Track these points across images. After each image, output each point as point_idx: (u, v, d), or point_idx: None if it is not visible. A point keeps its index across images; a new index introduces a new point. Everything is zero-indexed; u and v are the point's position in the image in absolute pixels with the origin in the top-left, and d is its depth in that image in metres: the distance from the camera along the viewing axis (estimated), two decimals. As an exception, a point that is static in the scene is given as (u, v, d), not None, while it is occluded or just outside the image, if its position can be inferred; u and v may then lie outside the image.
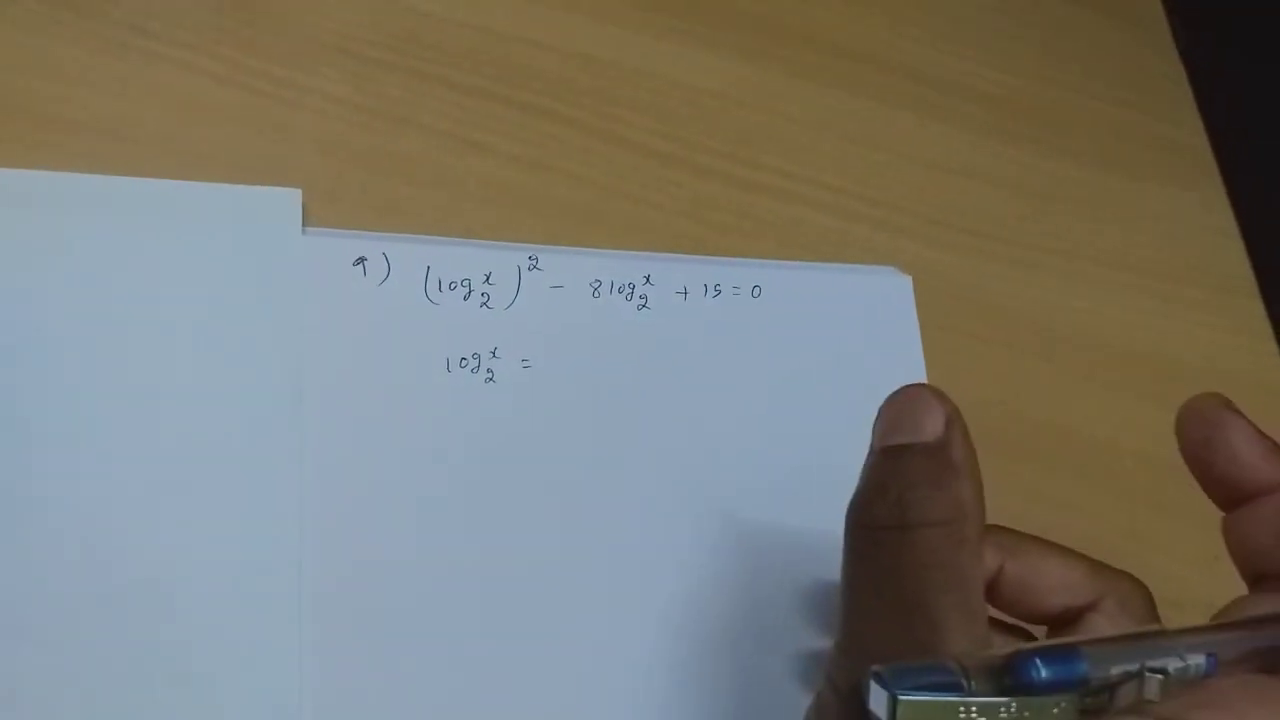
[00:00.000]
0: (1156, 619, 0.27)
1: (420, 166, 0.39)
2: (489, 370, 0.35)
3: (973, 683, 0.20)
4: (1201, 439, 0.26)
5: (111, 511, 0.30)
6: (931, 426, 0.25)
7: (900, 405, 0.26)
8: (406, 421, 0.34)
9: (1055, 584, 0.27)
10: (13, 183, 0.33)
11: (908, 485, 0.24)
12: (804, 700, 0.26)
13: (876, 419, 0.26)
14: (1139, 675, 0.21)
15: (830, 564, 0.36)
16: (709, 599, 0.34)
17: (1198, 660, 0.21)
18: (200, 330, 0.33)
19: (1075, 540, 0.42)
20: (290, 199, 0.35)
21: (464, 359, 0.35)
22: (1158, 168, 0.52)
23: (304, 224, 0.35)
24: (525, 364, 0.35)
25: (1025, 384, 0.44)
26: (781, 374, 0.38)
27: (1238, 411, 0.26)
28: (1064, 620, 0.27)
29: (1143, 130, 0.53)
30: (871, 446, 0.26)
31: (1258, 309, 0.50)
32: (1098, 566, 0.28)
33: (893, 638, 0.23)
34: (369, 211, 0.37)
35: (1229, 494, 0.26)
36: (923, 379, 0.41)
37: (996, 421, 0.42)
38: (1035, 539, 0.28)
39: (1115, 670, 0.21)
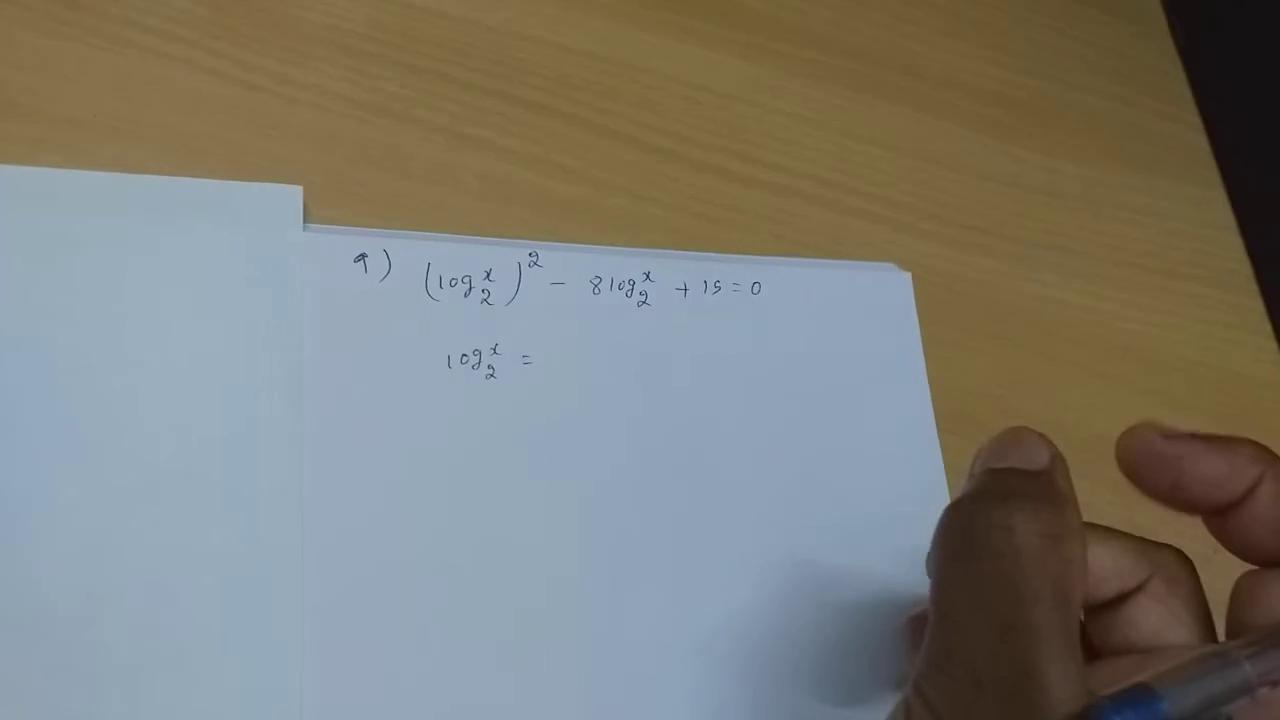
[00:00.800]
0: (1201, 591, 0.27)
1: (419, 162, 0.39)
2: (490, 366, 0.35)
3: None
4: (1169, 483, 0.26)
5: (109, 509, 0.30)
6: (1038, 459, 0.25)
7: (1005, 440, 0.26)
8: (407, 417, 0.34)
9: (1106, 572, 0.27)
10: (10, 179, 0.33)
11: (1018, 494, 0.24)
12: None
13: (977, 457, 0.26)
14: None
15: (828, 560, 0.37)
16: (708, 596, 0.34)
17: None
18: (200, 327, 0.33)
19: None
20: (291, 195, 0.35)
21: (465, 355, 0.35)
22: (1156, 163, 0.52)
23: (305, 220, 0.35)
24: (526, 360, 0.35)
25: (1023, 378, 0.44)
26: (781, 370, 0.38)
27: (1179, 435, 0.26)
28: (1110, 606, 0.27)
29: (1141, 125, 0.53)
30: (972, 472, 0.26)
31: (1256, 304, 0.50)
32: (1142, 545, 0.27)
33: (989, 653, 0.23)
34: (368, 207, 0.37)
35: (1213, 510, 0.26)
36: (922, 374, 0.41)
37: (994, 416, 0.42)
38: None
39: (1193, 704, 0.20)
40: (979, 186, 0.48)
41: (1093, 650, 0.28)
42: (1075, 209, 0.49)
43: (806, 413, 0.38)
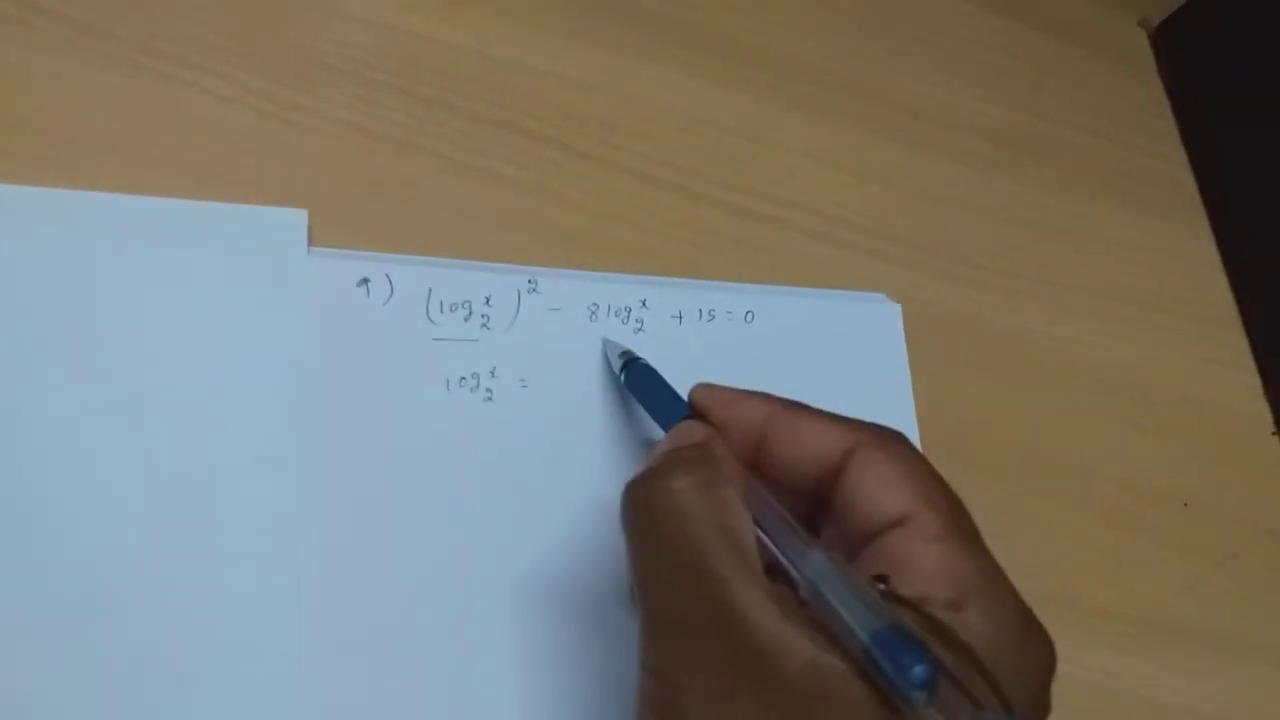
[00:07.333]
0: (908, 451, 0.28)
1: (423, 189, 0.40)
2: (488, 390, 0.36)
3: None
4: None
5: (113, 524, 0.31)
6: (695, 437, 0.29)
7: (672, 432, 0.30)
8: (406, 438, 0.34)
9: (808, 444, 0.28)
10: (21, 200, 0.33)
11: (677, 463, 0.27)
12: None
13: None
14: None
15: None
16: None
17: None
18: (205, 347, 0.33)
19: (1058, 563, 0.43)
20: (296, 219, 0.36)
21: (463, 378, 0.36)
22: (1143, 200, 0.53)
23: (309, 244, 0.36)
24: (523, 384, 0.36)
25: (1009, 409, 0.45)
26: (773, 397, 0.39)
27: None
28: (828, 489, 0.28)
29: (1129, 163, 0.54)
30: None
31: (1240, 339, 0.51)
32: (845, 421, 0.29)
33: (685, 602, 0.24)
34: (372, 232, 0.38)
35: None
36: (910, 403, 0.41)
37: (981, 445, 0.43)
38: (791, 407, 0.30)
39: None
40: (969, 221, 0.49)
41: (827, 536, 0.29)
42: (1063, 244, 0.50)
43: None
